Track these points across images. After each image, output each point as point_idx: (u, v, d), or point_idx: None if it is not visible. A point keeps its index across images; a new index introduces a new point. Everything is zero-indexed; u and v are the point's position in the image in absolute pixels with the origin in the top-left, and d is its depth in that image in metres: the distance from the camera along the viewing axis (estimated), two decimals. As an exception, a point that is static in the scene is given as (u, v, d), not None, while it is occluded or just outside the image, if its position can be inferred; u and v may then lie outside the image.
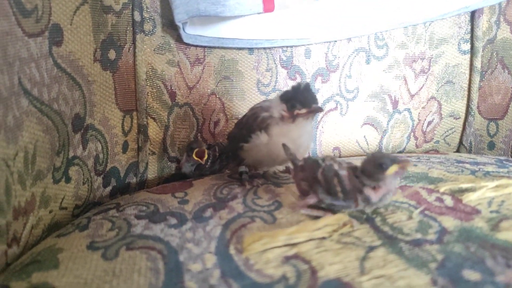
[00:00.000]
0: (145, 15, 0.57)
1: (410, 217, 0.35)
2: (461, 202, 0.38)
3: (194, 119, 0.64)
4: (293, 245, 0.31)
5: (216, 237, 0.34)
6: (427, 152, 0.79)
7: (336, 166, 0.37)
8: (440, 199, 0.39)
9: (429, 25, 0.70)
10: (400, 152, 0.78)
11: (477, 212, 0.36)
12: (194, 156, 0.56)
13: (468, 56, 0.72)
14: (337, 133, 0.73)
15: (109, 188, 0.58)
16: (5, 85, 0.35)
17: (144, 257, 0.32)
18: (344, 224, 0.33)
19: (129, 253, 0.33)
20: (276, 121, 0.45)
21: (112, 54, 0.52)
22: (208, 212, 0.40)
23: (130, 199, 0.49)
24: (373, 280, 0.27)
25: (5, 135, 0.35)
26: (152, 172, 0.64)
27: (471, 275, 0.27)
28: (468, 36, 0.71)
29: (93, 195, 0.54)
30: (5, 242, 0.37)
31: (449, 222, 0.34)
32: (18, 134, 0.37)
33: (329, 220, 0.33)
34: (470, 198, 0.38)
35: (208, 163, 0.59)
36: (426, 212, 0.36)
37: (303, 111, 0.44)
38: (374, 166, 0.34)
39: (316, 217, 0.36)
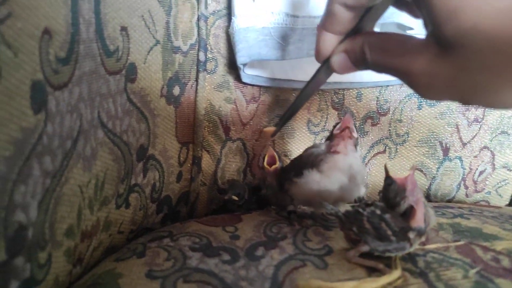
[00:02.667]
0: (209, 56, 0.61)
1: (465, 276, 0.35)
2: (519, 264, 0.37)
3: (245, 153, 0.66)
4: (347, 294, 0.32)
5: (269, 278, 0.35)
6: (477, 202, 0.77)
7: (378, 211, 0.38)
8: (496, 259, 0.38)
9: (485, 74, 0.70)
10: (449, 200, 0.76)
11: (538, 277, 0.35)
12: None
13: (525, 108, 0.71)
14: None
15: (161, 215, 0.61)
16: (87, 118, 0.39)
17: (201, 291, 0.33)
18: (398, 278, 0.33)
19: (186, 286, 0.34)
20: (324, 156, 0.47)
21: (176, 90, 0.56)
22: (260, 251, 0.41)
23: (182, 228, 0.52)
24: None
25: (82, 164, 0.38)
26: (201, 202, 0.66)
27: None
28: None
29: (147, 221, 0.57)
30: (72, 262, 0.39)
31: (507, 286, 0.33)
32: (92, 163, 0.40)
33: (388, 279, 0.33)
34: (529, 261, 0.37)
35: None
36: (483, 272, 0.36)
37: (337, 130, 0.46)
38: (387, 191, 0.36)
39: (368, 267, 0.36)
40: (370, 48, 0.29)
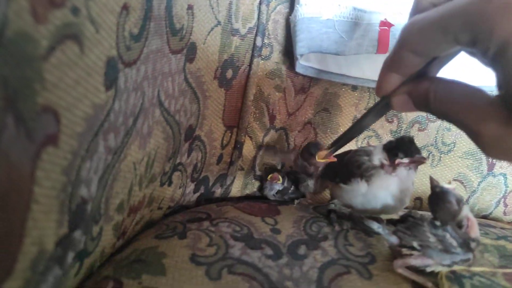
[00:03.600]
0: (266, 41, 0.59)
1: (517, 309, 0.34)
2: None
3: (286, 143, 0.66)
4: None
5: (314, 282, 0.35)
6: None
7: (438, 223, 0.37)
8: (547, 293, 0.37)
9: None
10: (484, 216, 0.74)
11: None
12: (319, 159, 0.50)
13: None
14: (423, 183, 0.71)
15: (197, 194, 0.61)
16: (148, 97, 0.38)
17: (247, 286, 0.33)
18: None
19: (231, 277, 0.34)
20: (378, 173, 0.45)
21: (229, 73, 0.55)
22: (302, 249, 0.41)
23: (220, 212, 0.52)
24: None
25: (139, 141, 0.38)
26: (236, 186, 0.66)
27: None
28: None
29: (183, 199, 0.58)
30: (117, 236, 0.40)
31: (561, 326, 0.32)
32: (147, 141, 0.40)
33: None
34: None
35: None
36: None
37: (405, 160, 0.44)
38: (445, 202, 0.35)
39: (415, 283, 0.36)
40: (435, 96, 0.28)
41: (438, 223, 0.37)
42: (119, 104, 0.32)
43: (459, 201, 0.37)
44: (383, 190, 0.44)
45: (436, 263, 0.35)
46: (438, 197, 0.37)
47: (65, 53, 0.24)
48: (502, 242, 0.49)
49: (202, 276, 0.34)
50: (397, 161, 0.44)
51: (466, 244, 0.35)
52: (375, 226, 0.39)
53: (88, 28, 0.26)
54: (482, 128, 0.26)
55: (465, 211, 0.37)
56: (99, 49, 0.28)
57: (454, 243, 0.35)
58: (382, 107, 0.35)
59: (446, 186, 0.37)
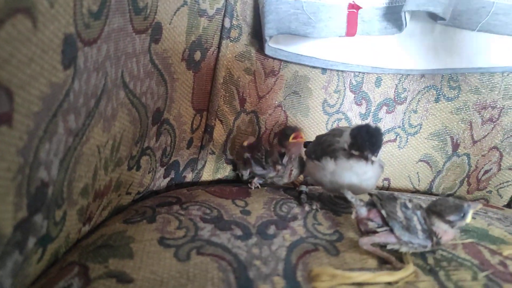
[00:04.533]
0: (234, 23, 0.58)
1: (475, 278, 0.35)
2: (526, 271, 0.38)
3: (257, 127, 0.66)
4: (359, 285, 0.32)
5: (283, 259, 0.35)
6: (476, 200, 0.77)
7: (410, 204, 0.38)
8: (504, 264, 0.39)
9: (507, 75, 0.69)
10: (449, 195, 0.77)
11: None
12: (290, 140, 0.52)
13: (542, 113, 0.70)
14: (391, 164, 0.73)
15: (167, 179, 0.60)
16: (111, 77, 0.37)
17: (216, 266, 0.33)
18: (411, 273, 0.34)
19: (200, 258, 0.34)
20: (345, 154, 0.46)
21: (197, 55, 0.54)
22: (271, 230, 0.41)
23: (190, 196, 0.51)
24: None
25: (103, 124, 0.37)
26: (207, 171, 0.66)
27: None
28: (546, 93, 0.69)
29: (153, 184, 0.57)
30: (82, 221, 0.39)
31: (516, 292, 0.34)
32: (112, 123, 0.39)
33: (403, 274, 0.33)
34: (537, 269, 0.38)
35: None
36: (491, 276, 0.36)
37: (356, 153, 0.44)
38: (454, 209, 0.36)
39: (380, 259, 0.37)
40: None
41: (410, 205, 0.38)
42: (79, 84, 0.31)
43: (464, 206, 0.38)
44: (348, 171, 0.45)
45: (398, 242, 0.37)
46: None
47: (16, 28, 0.23)
48: (464, 218, 0.51)
49: (171, 258, 0.34)
50: (352, 151, 0.44)
51: (429, 233, 0.37)
52: (349, 195, 0.39)
53: (41, 2, 0.25)
54: None
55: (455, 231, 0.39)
56: (54, 25, 0.27)
57: (418, 226, 0.36)
58: None
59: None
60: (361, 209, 0.39)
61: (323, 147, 0.47)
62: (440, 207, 0.37)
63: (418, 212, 0.37)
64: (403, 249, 0.37)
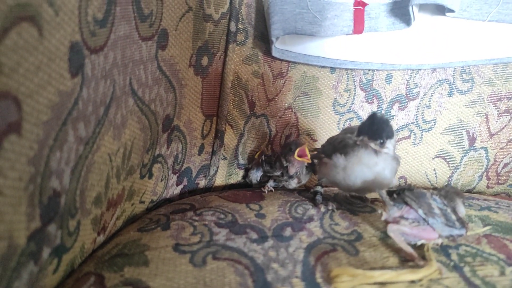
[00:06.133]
0: (240, 26, 0.58)
1: (502, 273, 0.34)
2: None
3: (267, 130, 0.65)
4: (382, 284, 0.31)
5: (301, 261, 0.34)
6: (497, 195, 0.75)
7: (438, 198, 0.38)
8: (531, 257, 0.37)
9: (522, 64, 0.67)
10: (469, 191, 0.75)
11: None
12: (295, 157, 0.53)
13: (559, 102, 0.69)
14: (407, 162, 0.71)
15: (180, 187, 0.60)
16: (119, 85, 0.37)
17: (232, 270, 0.33)
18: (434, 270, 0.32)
19: (216, 263, 0.34)
20: (354, 148, 0.45)
21: (205, 61, 0.54)
22: (287, 232, 0.40)
23: (204, 202, 0.51)
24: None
25: (113, 132, 0.37)
26: (220, 176, 0.65)
27: None
28: (563, 81, 0.68)
29: (167, 192, 0.57)
30: (97, 230, 0.39)
31: (546, 286, 0.32)
32: (122, 131, 0.39)
33: (426, 272, 0.32)
34: None
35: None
36: (519, 270, 0.35)
37: (356, 139, 0.44)
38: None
39: (401, 258, 0.36)
40: None
41: (438, 197, 0.37)
42: (87, 92, 0.31)
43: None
44: (358, 164, 0.44)
45: (439, 237, 0.36)
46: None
47: (21, 36, 0.23)
48: (485, 212, 0.50)
49: (186, 264, 0.34)
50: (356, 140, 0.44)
51: (461, 220, 0.36)
52: (383, 195, 0.38)
53: (46, 11, 0.25)
54: None
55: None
56: (60, 33, 0.27)
57: (454, 217, 0.36)
58: None
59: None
60: (392, 208, 0.38)
61: (335, 145, 0.46)
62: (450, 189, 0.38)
63: (446, 202, 0.37)
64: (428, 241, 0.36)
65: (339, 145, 0.46)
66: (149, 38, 0.42)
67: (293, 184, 0.57)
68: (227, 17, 0.56)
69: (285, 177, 0.55)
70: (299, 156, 0.52)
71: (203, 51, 0.53)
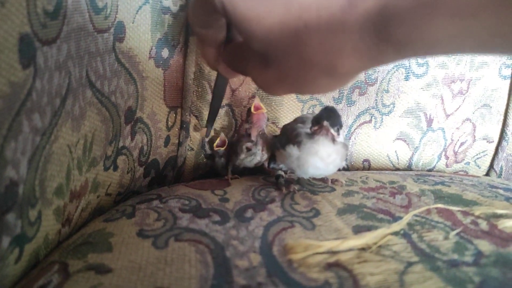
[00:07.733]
0: (199, 18, 0.59)
1: (446, 238, 0.37)
2: (496, 227, 0.39)
3: (233, 120, 0.66)
4: (334, 253, 0.33)
5: (259, 237, 0.36)
6: (456, 172, 0.79)
7: None
8: (475, 223, 0.40)
9: (472, 47, 0.70)
10: (429, 170, 0.78)
11: (513, 239, 0.37)
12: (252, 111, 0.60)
13: (508, 82, 0.73)
14: (369, 145, 0.74)
15: (148, 179, 0.61)
16: (75, 77, 0.38)
17: (193, 249, 0.34)
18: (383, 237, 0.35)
19: (178, 244, 0.35)
20: (307, 138, 0.47)
21: (165, 53, 0.55)
22: (249, 213, 0.42)
23: (171, 191, 0.52)
24: (412, 295, 0.28)
25: (71, 123, 0.38)
26: (188, 167, 0.66)
27: (507, 300, 0.28)
28: (510, 62, 0.71)
29: (134, 184, 0.57)
30: (60, 222, 0.39)
31: (485, 247, 0.35)
32: (81, 122, 0.40)
33: (372, 236, 0.34)
34: (506, 225, 0.39)
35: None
36: (462, 234, 0.37)
37: (315, 128, 0.46)
38: None
39: (354, 227, 0.38)
40: (224, 58, 0.36)
41: None
42: (41, 83, 0.31)
43: None
44: (312, 156, 0.46)
45: None
46: None
47: (-34, 27, 0.23)
48: (439, 187, 0.53)
49: (149, 247, 0.35)
50: (312, 129, 0.46)
51: None
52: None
53: (-9, 2, 0.25)
54: (249, 71, 0.32)
55: None
56: (8, 24, 0.27)
57: None
58: (220, 77, 0.42)
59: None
60: None
61: (287, 135, 0.48)
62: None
63: None
64: None
65: (292, 135, 0.48)
66: (105, 31, 0.43)
67: (257, 156, 0.58)
68: (186, 9, 0.57)
69: (250, 153, 0.57)
70: (256, 109, 0.58)
71: (163, 43, 0.54)
